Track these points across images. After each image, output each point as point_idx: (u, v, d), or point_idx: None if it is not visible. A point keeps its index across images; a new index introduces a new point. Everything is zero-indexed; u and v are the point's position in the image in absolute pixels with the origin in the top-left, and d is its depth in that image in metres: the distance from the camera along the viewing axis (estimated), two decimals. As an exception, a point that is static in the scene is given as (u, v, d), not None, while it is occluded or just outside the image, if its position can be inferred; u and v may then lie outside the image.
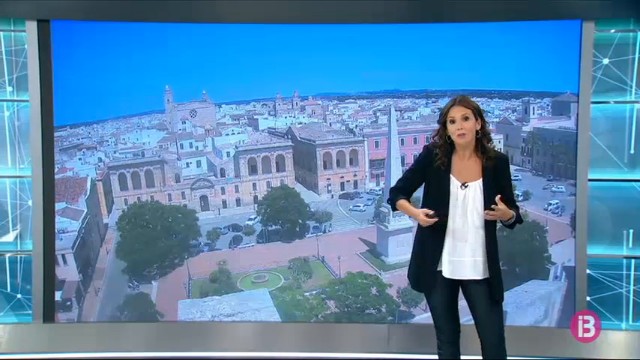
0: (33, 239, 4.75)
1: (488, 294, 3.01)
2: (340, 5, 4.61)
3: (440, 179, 3.02)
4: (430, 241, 3.05)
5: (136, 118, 5.33)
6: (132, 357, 4.60)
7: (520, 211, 3.02)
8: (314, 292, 5.11)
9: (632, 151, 4.68)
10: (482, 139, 3.02)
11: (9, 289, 4.81)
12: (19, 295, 4.81)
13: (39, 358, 4.59)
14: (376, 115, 5.70)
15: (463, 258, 3.00)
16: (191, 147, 5.61)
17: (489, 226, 3.00)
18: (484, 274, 3.00)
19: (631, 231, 4.69)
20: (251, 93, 5.56)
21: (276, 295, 5.01)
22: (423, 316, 4.69)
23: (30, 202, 4.79)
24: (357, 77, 5.01)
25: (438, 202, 3.00)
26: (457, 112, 2.98)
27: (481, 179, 3.00)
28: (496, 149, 3.11)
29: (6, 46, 4.79)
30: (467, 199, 2.99)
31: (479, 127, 3.00)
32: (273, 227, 5.36)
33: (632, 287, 4.66)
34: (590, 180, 4.63)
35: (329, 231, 5.46)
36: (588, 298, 4.63)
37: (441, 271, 3.03)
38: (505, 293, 3.04)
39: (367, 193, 5.66)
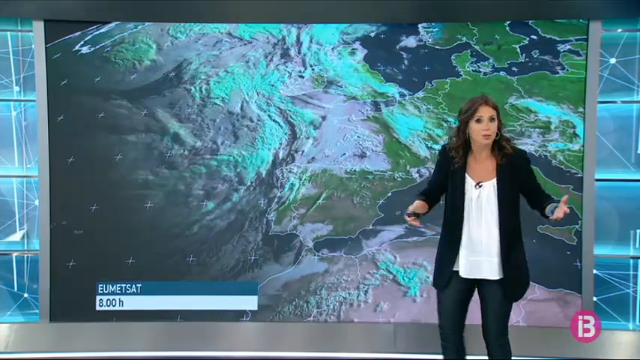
0: (40, 239, 4.76)
1: (500, 294, 3.03)
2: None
3: (455, 179, 3.05)
4: (448, 242, 3.11)
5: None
6: (138, 356, 4.61)
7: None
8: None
9: (639, 151, 4.68)
10: (500, 139, 3.02)
11: (16, 289, 4.83)
12: (25, 295, 4.83)
13: (46, 357, 4.60)
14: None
15: (479, 258, 3.02)
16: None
17: (505, 226, 3.01)
18: (499, 274, 3.01)
19: (638, 231, 4.69)
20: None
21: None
22: (430, 316, 4.67)
23: (37, 202, 4.81)
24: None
25: (454, 202, 3.04)
26: (486, 112, 2.97)
27: (495, 179, 3.00)
28: (515, 146, 3.11)
29: (13, 46, 4.82)
30: (481, 199, 3.00)
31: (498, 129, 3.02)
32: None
33: (639, 287, 4.66)
34: (597, 180, 4.63)
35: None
36: (595, 299, 4.62)
37: (456, 271, 3.05)
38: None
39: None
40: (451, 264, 3.08)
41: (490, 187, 3.02)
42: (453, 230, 3.06)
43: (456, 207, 3.04)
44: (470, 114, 2.99)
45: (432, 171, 3.41)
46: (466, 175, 3.04)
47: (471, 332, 4.60)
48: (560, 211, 2.90)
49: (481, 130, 2.97)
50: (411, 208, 3.03)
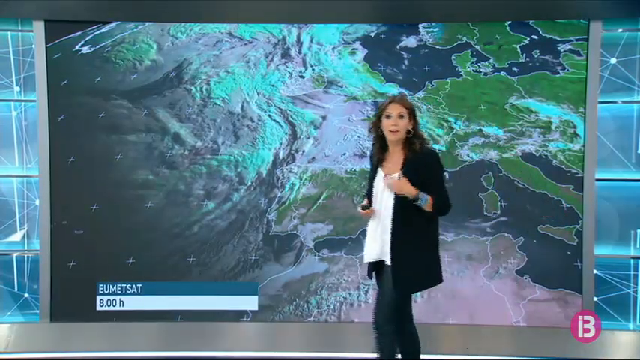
0: (40, 239, 4.77)
1: (389, 281, 3.17)
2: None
3: (373, 172, 3.29)
4: (368, 232, 3.30)
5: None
6: (139, 356, 4.62)
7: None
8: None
9: (639, 151, 4.68)
10: (412, 139, 3.19)
11: (16, 289, 4.83)
12: (26, 295, 4.83)
13: (46, 357, 4.60)
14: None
15: (376, 243, 3.22)
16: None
17: (399, 218, 3.13)
18: (388, 260, 3.17)
19: (638, 231, 4.69)
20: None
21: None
22: (431, 316, 4.67)
23: (37, 202, 4.81)
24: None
25: (369, 193, 3.29)
26: (394, 110, 3.17)
27: (399, 172, 3.16)
28: (427, 146, 3.25)
29: (13, 46, 4.82)
30: (386, 190, 3.17)
31: (410, 127, 3.18)
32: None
33: (639, 287, 4.66)
34: (597, 180, 4.63)
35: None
36: (595, 299, 4.62)
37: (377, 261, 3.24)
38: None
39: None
40: (369, 253, 3.29)
41: (395, 178, 3.16)
42: (370, 221, 3.26)
43: (370, 198, 3.26)
44: (381, 110, 3.21)
45: None
46: (380, 168, 3.24)
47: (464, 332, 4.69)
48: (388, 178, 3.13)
49: (389, 126, 3.16)
50: (363, 205, 3.27)
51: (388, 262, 3.16)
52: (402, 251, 3.13)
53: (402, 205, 3.11)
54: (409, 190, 3.05)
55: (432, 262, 3.23)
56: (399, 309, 3.20)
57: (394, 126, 3.14)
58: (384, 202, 3.17)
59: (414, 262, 3.14)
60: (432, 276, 3.23)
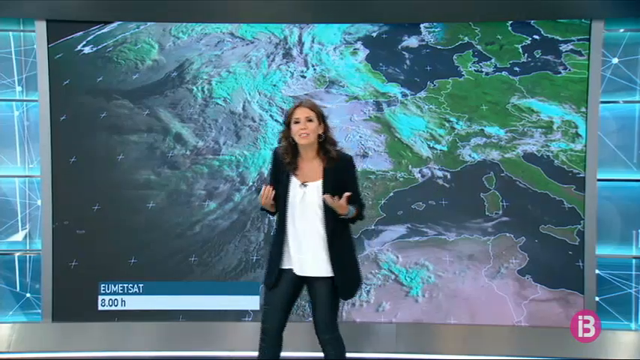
0: (42, 239, 4.77)
1: (328, 290, 3.14)
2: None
3: (283, 180, 3.17)
4: (276, 240, 3.22)
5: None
6: (140, 356, 4.62)
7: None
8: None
9: (641, 151, 4.69)
10: (324, 143, 3.17)
11: (18, 289, 4.84)
12: (28, 295, 4.84)
13: (48, 357, 4.60)
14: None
15: (306, 256, 3.13)
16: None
17: (330, 226, 3.12)
18: (327, 272, 3.12)
19: (640, 231, 4.69)
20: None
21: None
22: (433, 317, 4.68)
23: (39, 202, 4.82)
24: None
25: (281, 201, 3.16)
26: (302, 114, 3.13)
27: (321, 180, 3.12)
28: (341, 151, 3.24)
29: (15, 46, 4.82)
30: (305, 199, 3.12)
31: (321, 132, 3.15)
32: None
33: (642, 287, 4.67)
34: (599, 180, 4.63)
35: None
36: (597, 299, 4.62)
37: (285, 270, 3.18)
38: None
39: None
40: (279, 262, 3.18)
41: (315, 187, 3.13)
42: (280, 229, 3.17)
43: (282, 206, 3.15)
44: (289, 117, 3.17)
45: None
46: (292, 175, 3.16)
47: (462, 332, 4.69)
48: (327, 198, 3.03)
49: (298, 130, 3.11)
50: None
51: (324, 274, 3.13)
52: (341, 262, 3.14)
53: (332, 218, 3.10)
54: (347, 208, 3.06)
55: (358, 263, 3.30)
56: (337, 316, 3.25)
57: (303, 130, 3.10)
58: (306, 213, 3.12)
59: (352, 268, 3.22)
60: (360, 276, 3.29)
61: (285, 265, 3.18)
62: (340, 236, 3.17)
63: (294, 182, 3.15)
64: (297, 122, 3.12)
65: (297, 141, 3.14)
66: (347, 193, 3.02)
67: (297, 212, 3.13)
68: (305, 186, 3.13)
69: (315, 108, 3.17)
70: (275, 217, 3.26)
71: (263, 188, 3.10)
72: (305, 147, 3.16)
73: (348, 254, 3.23)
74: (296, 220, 3.13)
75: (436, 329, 4.69)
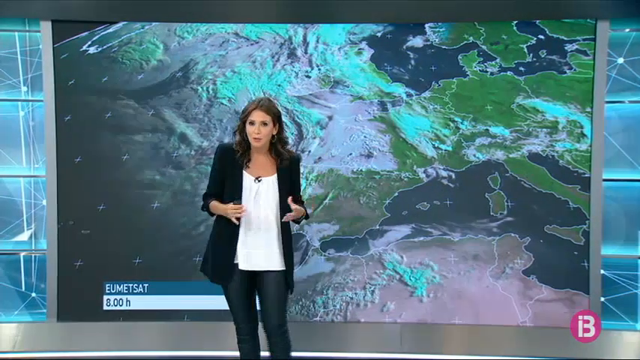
0: (47, 238, 4.78)
1: (279, 283, 3.20)
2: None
3: (235, 175, 3.19)
4: (226, 235, 3.19)
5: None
6: (145, 356, 4.63)
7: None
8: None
9: (646, 151, 4.67)
10: (276, 143, 3.21)
11: (23, 288, 4.85)
12: (33, 294, 4.84)
13: (53, 357, 4.62)
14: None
15: (258, 250, 3.18)
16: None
17: (285, 224, 3.19)
18: (279, 265, 3.20)
19: (646, 231, 4.68)
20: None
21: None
22: (437, 317, 4.67)
23: (44, 202, 4.83)
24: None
25: (233, 196, 3.16)
26: (257, 117, 3.13)
27: (275, 175, 3.18)
28: (291, 150, 3.31)
29: (21, 46, 4.83)
30: (260, 194, 3.17)
31: (275, 132, 3.18)
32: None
33: (647, 288, 4.65)
34: (604, 180, 4.62)
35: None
36: (602, 299, 4.61)
37: (236, 264, 3.18)
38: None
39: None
40: (231, 257, 3.18)
41: (270, 182, 3.18)
42: (230, 223, 3.14)
43: (234, 201, 3.14)
44: (245, 115, 3.16)
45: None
46: (244, 171, 3.18)
47: (457, 333, 4.69)
48: (288, 215, 3.11)
49: (252, 133, 3.13)
50: (226, 206, 3.13)
51: (275, 268, 3.18)
52: (290, 257, 3.22)
53: (285, 212, 3.13)
54: (303, 211, 3.20)
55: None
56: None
57: (257, 134, 3.12)
58: (260, 208, 3.16)
59: (292, 261, 3.27)
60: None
61: (235, 260, 3.18)
62: (289, 230, 3.24)
63: (247, 177, 3.17)
64: (252, 124, 3.13)
65: (250, 141, 3.16)
66: (291, 198, 3.10)
67: (251, 207, 3.14)
68: (259, 181, 3.16)
69: (271, 111, 3.15)
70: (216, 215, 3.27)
71: (233, 204, 3.10)
72: (256, 147, 3.19)
73: (292, 248, 3.26)
74: (249, 214, 3.14)
75: (441, 329, 4.69)
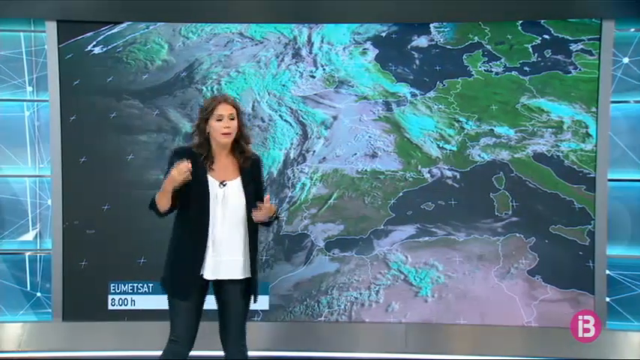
0: (52, 238, 4.79)
1: (243, 294, 3.03)
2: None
3: (200, 181, 2.94)
4: (192, 244, 2.97)
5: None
6: (150, 356, 4.62)
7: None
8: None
9: (652, 151, 4.66)
10: (240, 140, 3.02)
11: (29, 288, 4.86)
12: (38, 294, 4.85)
13: (58, 356, 4.62)
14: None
15: (223, 258, 2.96)
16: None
17: (250, 225, 3.00)
18: (244, 273, 3.00)
19: (651, 232, 4.67)
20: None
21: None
22: (442, 317, 4.67)
23: (49, 202, 4.83)
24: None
25: (198, 203, 2.95)
26: (225, 111, 2.95)
27: (239, 178, 3.01)
28: (254, 151, 3.15)
29: (26, 46, 4.84)
30: (226, 198, 2.97)
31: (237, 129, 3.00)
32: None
33: (652, 288, 4.64)
34: (609, 180, 4.61)
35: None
36: (608, 299, 4.60)
37: (201, 275, 2.96)
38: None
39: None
40: (198, 268, 2.95)
41: (234, 186, 2.99)
42: (198, 232, 2.95)
43: (200, 208, 2.95)
44: (209, 112, 2.95)
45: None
46: (208, 175, 2.97)
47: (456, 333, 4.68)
48: (257, 213, 2.93)
49: (221, 128, 2.94)
50: (172, 172, 2.87)
51: (240, 276, 2.99)
52: (255, 263, 3.05)
53: (250, 216, 2.96)
54: (273, 209, 2.98)
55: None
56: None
57: (227, 128, 2.93)
58: (227, 214, 2.95)
59: (257, 268, 3.11)
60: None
61: (202, 271, 2.95)
62: (257, 234, 3.06)
63: (212, 181, 2.96)
64: (219, 120, 2.93)
65: (217, 139, 2.96)
66: (266, 197, 2.94)
67: (217, 213, 2.94)
68: (224, 185, 2.97)
69: (236, 105, 3.02)
70: (178, 218, 3.06)
71: (175, 165, 2.81)
72: (221, 145, 3.00)
73: (257, 255, 3.09)
74: (216, 220, 2.94)
75: (446, 329, 4.69)
